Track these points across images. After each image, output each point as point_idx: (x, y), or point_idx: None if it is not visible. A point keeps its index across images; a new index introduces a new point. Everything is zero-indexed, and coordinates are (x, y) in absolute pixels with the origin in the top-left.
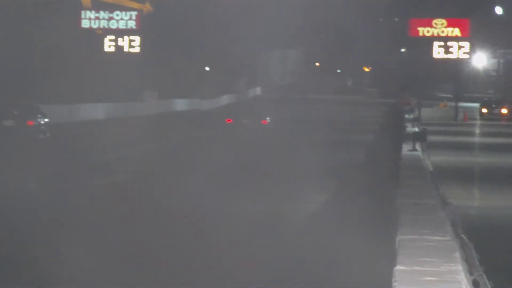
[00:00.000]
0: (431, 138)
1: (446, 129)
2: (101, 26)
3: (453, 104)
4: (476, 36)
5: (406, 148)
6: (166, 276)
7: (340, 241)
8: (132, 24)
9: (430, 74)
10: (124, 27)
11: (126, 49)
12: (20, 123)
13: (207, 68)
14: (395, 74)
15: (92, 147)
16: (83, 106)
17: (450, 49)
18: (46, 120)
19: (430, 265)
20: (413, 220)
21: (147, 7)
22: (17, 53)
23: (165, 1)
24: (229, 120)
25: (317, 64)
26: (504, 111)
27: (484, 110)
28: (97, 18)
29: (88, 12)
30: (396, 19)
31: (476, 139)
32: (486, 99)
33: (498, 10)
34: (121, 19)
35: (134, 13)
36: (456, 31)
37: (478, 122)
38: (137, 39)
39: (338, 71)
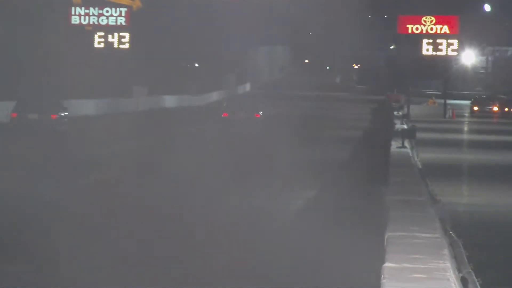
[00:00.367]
0: (420, 135)
1: (435, 126)
2: (91, 23)
3: (441, 101)
4: (464, 34)
5: (395, 145)
6: (154, 274)
7: (328, 238)
8: (121, 20)
9: (419, 71)
10: (114, 24)
11: (115, 45)
12: (44, 116)
13: (196, 65)
14: (384, 71)
15: (86, 143)
16: (73, 102)
17: (439, 46)
18: (66, 113)
19: (419, 262)
20: (402, 217)
21: (137, 3)
22: (5, 49)
23: None
24: (225, 114)
25: (306, 61)
26: (496, 108)
27: (476, 108)
28: (87, 14)
29: (78, 9)
30: (385, 16)
31: (465, 136)
32: (477, 96)
33: (487, 8)
34: (111, 15)
35: (123, 10)
36: (445, 28)
37: (466, 119)
38: (126, 36)
39: (327, 67)
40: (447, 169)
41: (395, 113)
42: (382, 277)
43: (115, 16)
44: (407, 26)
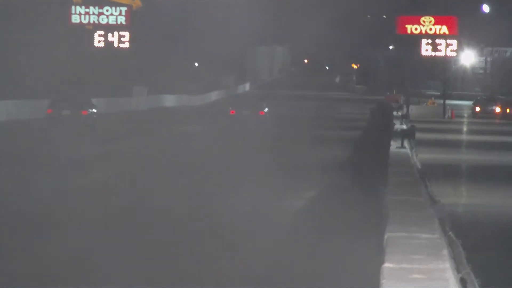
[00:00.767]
0: (419, 135)
1: (434, 126)
2: (91, 22)
3: (441, 101)
4: (463, 34)
5: (394, 145)
6: (151, 275)
7: (326, 238)
8: (121, 19)
9: (418, 71)
10: (114, 23)
11: (115, 44)
12: (76, 112)
13: (196, 64)
14: (383, 71)
15: (85, 141)
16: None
17: (438, 47)
18: (95, 110)
19: (418, 262)
20: (401, 217)
21: (137, 2)
22: (5, 47)
23: None
24: (232, 112)
25: (305, 61)
26: (498, 109)
27: (477, 109)
28: (87, 13)
29: (78, 7)
30: (384, 16)
31: (464, 137)
32: (479, 97)
33: (485, 8)
34: (111, 14)
35: (124, 9)
36: (444, 29)
37: (466, 120)
38: (126, 35)
39: (326, 68)
40: (447, 170)
41: (394, 113)
42: (381, 278)
43: (115, 15)
44: (406, 26)
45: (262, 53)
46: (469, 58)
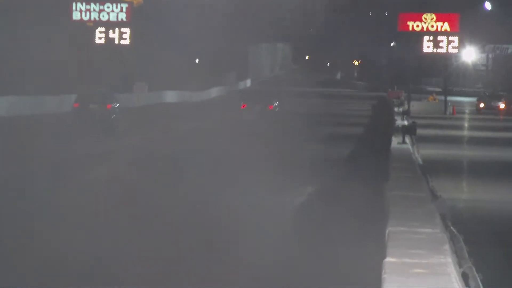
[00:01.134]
0: (420, 131)
1: (435, 122)
2: (92, 18)
3: (442, 98)
4: (465, 31)
5: (395, 141)
6: (150, 273)
7: (328, 233)
8: (122, 16)
9: (420, 68)
10: (115, 19)
11: (116, 41)
12: (101, 106)
13: (197, 61)
14: (385, 68)
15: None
16: (74, 96)
17: (440, 44)
18: (118, 104)
19: (420, 257)
20: (403, 212)
21: None
22: (6, 44)
23: None
24: (243, 105)
25: (306, 57)
26: (502, 106)
27: (481, 105)
28: (88, 10)
29: (79, 4)
30: (386, 13)
31: (466, 133)
32: (483, 93)
33: (487, 5)
34: (112, 11)
35: (124, 5)
36: (446, 26)
37: (468, 116)
38: (127, 31)
39: (328, 64)
40: (448, 165)
41: (396, 109)
42: (383, 272)
43: (116, 12)
44: (408, 23)
45: (264, 49)
46: (470, 55)
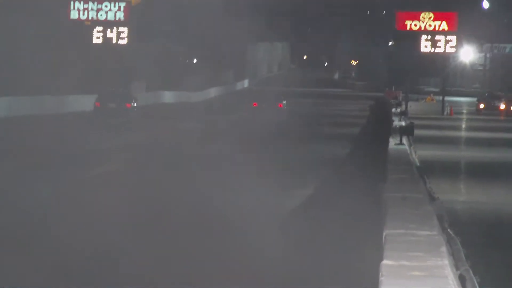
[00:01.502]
0: (418, 132)
1: (433, 123)
2: (90, 18)
3: (439, 98)
4: (463, 30)
5: (393, 142)
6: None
7: (324, 235)
8: (120, 15)
9: (417, 68)
10: (113, 19)
11: (114, 40)
12: (121, 105)
13: (195, 60)
14: (382, 68)
15: (86, 137)
16: (71, 97)
17: (438, 43)
18: (136, 104)
19: (417, 259)
20: (400, 214)
21: None
22: (4, 43)
23: None
24: (255, 104)
25: (304, 57)
26: (502, 106)
27: (481, 105)
28: (86, 9)
29: (77, 3)
30: (383, 12)
31: (463, 134)
32: (486, 94)
33: (485, 4)
34: (110, 10)
35: (122, 4)
36: (443, 25)
37: (466, 116)
38: (125, 31)
39: (325, 64)
40: (445, 166)
41: (393, 110)
42: (380, 275)
43: (114, 11)
44: (406, 22)
45: (262, 49)
46: (468, 54)
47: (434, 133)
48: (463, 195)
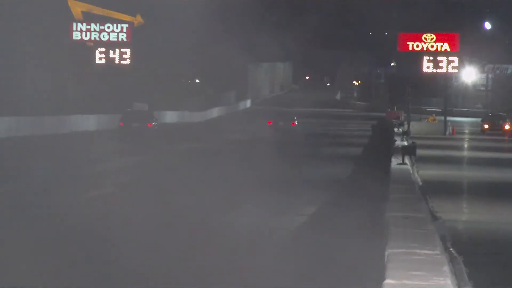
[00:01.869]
0: (420, 152)
1: (435, 143)
2: (92, 38)
3: (442, 118)
4: (465, 51)
5: (395, 162)
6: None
7: (327, 254)
8: (123, 36)
9: (419, 88)
10: (115, 40)
11: (117, 61)
12: (143, 125)
13: (197, 81)
14: (384, 88)
15: (87, 158)
16: (73, 117)
17: (440, 64)
18: (156, 123)
19: (419, 279)
20: (403, 233)
21: (138, 19)
22: (6, 63)
23: (155, 14)
24: (270, 122)
25: (306, 77)
26: (507, 126)
27: (486, 126)
28: (88, 30)
29: (79, 24)
30: (386, 33)
31: (465, 154)
32: (490, 114)
33: (487, 25)
34: (112, 31)
35: (125, 26)
36: (445, 46)
37: (467, 136)
38: (128, 51)
39: (328, 84)
40: (448, 186)
41: (395, 130)
42: None
43: (116, 32)
44: (408, 43)
45: (264, 69)
46: (470, 75)
47: (436, 153)
48: (465, 215)
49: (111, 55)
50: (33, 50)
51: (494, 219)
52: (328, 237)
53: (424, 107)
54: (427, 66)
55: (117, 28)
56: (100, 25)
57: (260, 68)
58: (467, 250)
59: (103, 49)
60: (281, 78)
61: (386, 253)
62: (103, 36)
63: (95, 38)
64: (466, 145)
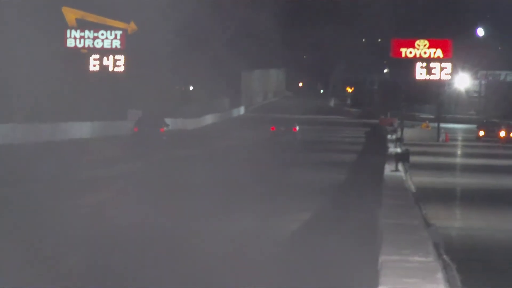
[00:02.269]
0: (414, 158)
1: (428, 149)
2: (86, 45)
3: (435, 125)
4: (458, 57)
5: (388, 169)
6: None
7: (320, 260)
8: (117, 43)
9: (413, 95)
10: (109, 47)
11: (111, 68)
12: (156, 130)
13: (191, 88)
14: (378, 95)
15: (82, 164)
16: (67, 124)
17: (433, 70)
18: (168, 128)
19: (413, 286)
20: (396, 240)
21: (132, 26)
22: (2, 69)
23: (149, 21)
24: (272, 128)
25: (300, 84)
26: (503, 133)
27: (481, 133)
28: (82, 37)
29: (73, 31)
30: (379, 39)
31: (458, 160)
32: (484, 121)
33: (480, 32)
34: (106, 38)
35: (119, 32)
36: (438, 52)
37: (460, 143)
38: (121, 58)
39: (321, 91)
40: (441, 193)
41: (389, 136)
42: None
43: (110, 39)
44: (401, 50)
45: (257, 76)
46: (463, 81)
47: (429, 160)
48: (458, 222)
49: (105, 62)
50: (27, 57)
51: (487, 226)
52: (321, 243)
53: (417, 113)
54: (420, 73)
55: (111, 35)
56: (94, 32)
57: (253, 74)
58: (461, 257)
59: (97, 56)
60: (274, 85)
61: (379, 260)
62: (97, 43)
63: (89, 45)
64: (459, 152)
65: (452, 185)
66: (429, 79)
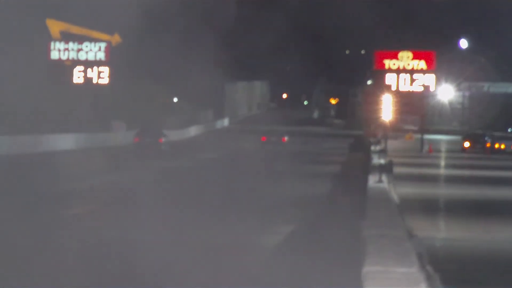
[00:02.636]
0: (397, 170)
1: (412, 161)
2: (70, 58)
3: (418, 136)
4: (441, 69)
5: (372, 180)
6: None
7: (304, 273)
8: (101, 55)
9: (396, 106)
10: (93, 59)
11: (95, 80)
12: (155, 140)
13: (175, 99)
14: (361, 106)
15: (66, 176)
16: (51, 136)
17: (416, 82)
18: (166, 138)
19: None
20: (379, 251)
21: (116, 38)
22: None
23: (133, 33)
24: (263, 138)
25: (284, 96)
26: (488, 144)
27: (466, 144)
28: (66, 49)
29: (57, 43)
30: (362, 51)
31: (441, 171)
32: (470, 132)
33: (463, 44)
34: (90, 50)
35: (103, 45)
36: (422, 64)
37: (443, 154)
38: (106, 70)
39: (305, 102)
40: (424, 204)
41: (372, 147)
42: None
43: (94, 51)
44: (384, 61)
45: (241, 88)
46: (446, 93)
47: (412, 171)
48: (442, 232)
49: (89, 74)
50: (11, 70)
51: (471, 236)
52: (304, 255)
53: (401, 125)
54: (403, 84)
55: (95, 47)
56: (78, 44)
57: (238, 86)
58: (444, 268)
59: (82, 68)
60: (258, 97)
61: (363, 271)
62: (81, 55)
63: (73, 57)
64: (443, 163)
65: (435, 196)
66: (412, 91)
